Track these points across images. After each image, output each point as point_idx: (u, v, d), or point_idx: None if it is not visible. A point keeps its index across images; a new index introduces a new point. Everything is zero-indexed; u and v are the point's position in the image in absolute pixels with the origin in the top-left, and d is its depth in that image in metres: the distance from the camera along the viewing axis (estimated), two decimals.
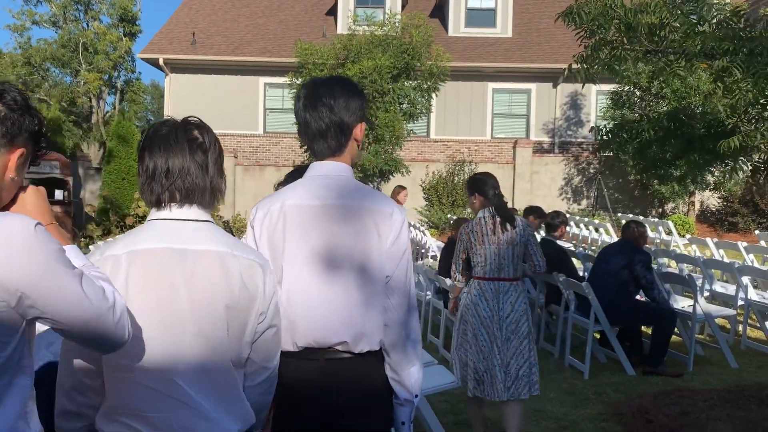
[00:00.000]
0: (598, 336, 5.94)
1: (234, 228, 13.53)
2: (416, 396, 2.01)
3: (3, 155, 1.42)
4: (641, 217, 13.09)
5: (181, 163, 1.66)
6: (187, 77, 18.14)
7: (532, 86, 18.37)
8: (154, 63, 18.50)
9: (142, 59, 18.41)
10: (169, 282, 1.60)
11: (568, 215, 14.82)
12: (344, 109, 2.04)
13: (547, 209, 17.05)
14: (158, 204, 1.68)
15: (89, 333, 1.38)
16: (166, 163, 1.65)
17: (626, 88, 13.88)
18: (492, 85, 18.43)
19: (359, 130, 2.05)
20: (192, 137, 1.69)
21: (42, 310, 1.32)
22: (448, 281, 5.51)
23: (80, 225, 14.23)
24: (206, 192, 1.70)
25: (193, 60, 17.95)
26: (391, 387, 2.01)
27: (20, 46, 34.63)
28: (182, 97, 17.95)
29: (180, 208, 1.68)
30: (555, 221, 6.15)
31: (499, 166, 16.63)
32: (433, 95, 15.78)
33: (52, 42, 33.95)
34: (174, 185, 1.66)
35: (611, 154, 11.96)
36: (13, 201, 1.50)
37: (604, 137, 6.66)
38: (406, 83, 14.39)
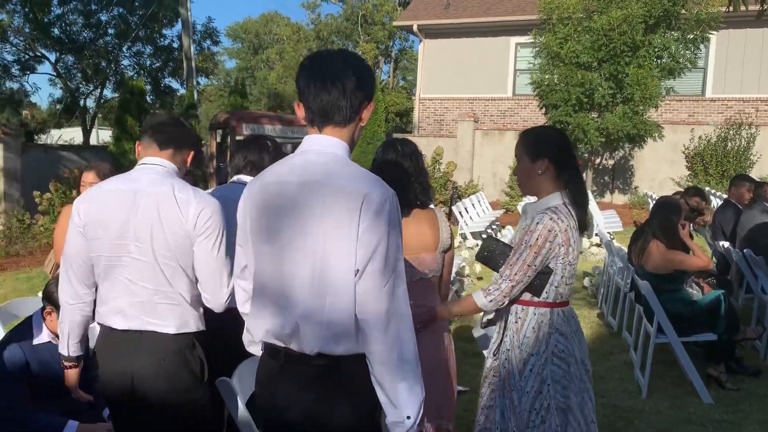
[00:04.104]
0: None
1: (465, 193, 13.29)
2: (408, 417, 1.69)
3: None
4: None
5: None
6: (439, 42, 18.20)
7: None
8: (408, 30, 18.94)
9: (397, 26, 18.96)
10: None
11: None
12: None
13: None
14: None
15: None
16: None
17: None
18: None
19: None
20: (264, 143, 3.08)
21: None
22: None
23: None
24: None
25: (446, 24, 17.91)
26: (375, 397, 1.73)
27: (312, 22, 38.53)
28: (434, 63, 18.10)
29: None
30: None
31: None
32: (709, 47, 13.49)
33: (337, 16, 37.11)
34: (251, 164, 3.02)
35: None
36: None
37: None
38: (667, 34, 12.47)
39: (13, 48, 20.85)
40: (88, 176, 3.81)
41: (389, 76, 36.68)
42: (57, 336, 2.61)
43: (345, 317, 1.69)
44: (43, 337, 2.71)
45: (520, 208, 2.64)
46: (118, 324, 2.25)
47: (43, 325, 2.76)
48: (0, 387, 2.53)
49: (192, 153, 2.44)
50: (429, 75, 18.27)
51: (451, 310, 2.60)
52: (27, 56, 21.25)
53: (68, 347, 2.40)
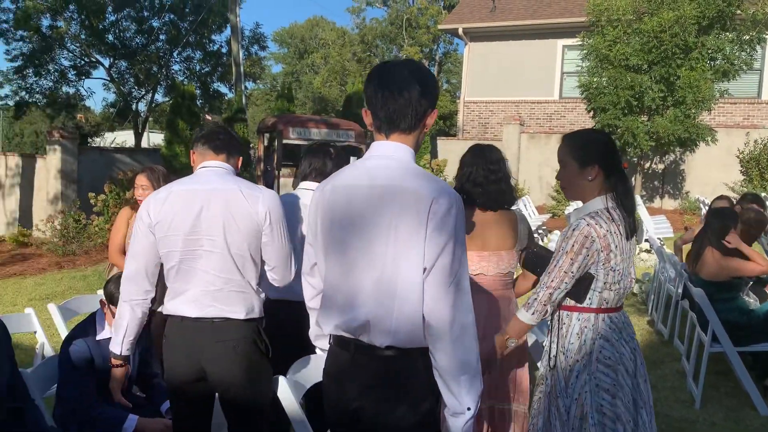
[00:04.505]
0: None
1: None
2: (469, 408, 1.77)
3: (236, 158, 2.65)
4: None
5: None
6: (485, 45, 18.10)
7: None
8: (453, 33, 18.91)
9: (443, 30, 18.94)
10: None
11: None
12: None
13: None
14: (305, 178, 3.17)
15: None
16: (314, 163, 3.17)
17: None
18: None
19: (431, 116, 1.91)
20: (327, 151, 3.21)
21: None
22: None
23: None
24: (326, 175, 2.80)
25: (492, 27, 17.80)
26: (435, 392, 1.81)
27: (357, 26, 38.75)
28: (479, 66, 18.01)
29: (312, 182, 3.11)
30: None
31: None
32: (765, 47, 13.08)
33: (382, 20, 37.23)
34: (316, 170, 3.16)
35: None
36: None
37: None
38: (721, 35, 12.14)
39: (70, 54, 21.58)
40: (141, 179, 3.96)
41: None
42: None
43: (413, 318, 1.76)
44: (106, 333, 2.81)
45: (566, 213, 2.64)
46: (191, 312, 2.39)
47: (106, 321, 2.86)
48: (69, 381, 2.64)
49: (240, 159, 2.65)
50: (474, 78, 18.18)
51: (503, 337, 2.48)
52: (83, 61, 21.94)
53: (122, 344, 2.50)
